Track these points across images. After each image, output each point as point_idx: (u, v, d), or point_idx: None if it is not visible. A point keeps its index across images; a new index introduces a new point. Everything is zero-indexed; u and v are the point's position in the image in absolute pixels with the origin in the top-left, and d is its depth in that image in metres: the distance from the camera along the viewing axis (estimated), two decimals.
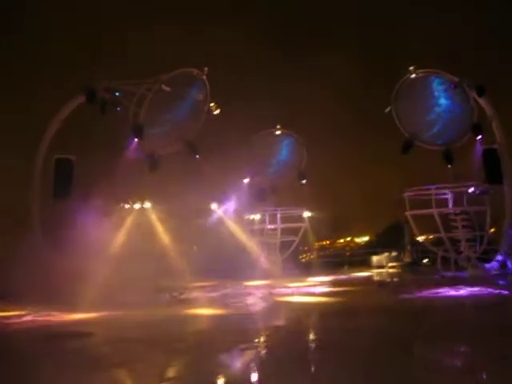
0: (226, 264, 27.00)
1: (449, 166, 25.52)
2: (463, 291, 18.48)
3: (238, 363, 9.75)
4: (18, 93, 31.28)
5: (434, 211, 26.56)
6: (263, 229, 33.90)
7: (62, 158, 25.17)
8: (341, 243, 52.86)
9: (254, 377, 8.60)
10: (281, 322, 14.96)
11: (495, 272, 24.78)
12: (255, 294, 22.14)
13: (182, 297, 20.78)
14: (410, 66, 25.85)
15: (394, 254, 35.53)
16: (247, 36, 36.49)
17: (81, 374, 8.90)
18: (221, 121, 25.74)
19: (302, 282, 26.12)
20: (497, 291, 18.11)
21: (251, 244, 29.36)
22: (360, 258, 39.00)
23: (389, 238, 36.94)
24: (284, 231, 34.20)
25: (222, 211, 28.90)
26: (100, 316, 16.42)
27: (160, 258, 22.88)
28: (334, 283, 25.04)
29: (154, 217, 24.68)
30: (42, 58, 33.83)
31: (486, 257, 26.39)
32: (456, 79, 25.46)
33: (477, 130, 25.32)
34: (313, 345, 11.34)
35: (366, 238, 49.24)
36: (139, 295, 19.70)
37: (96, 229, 20.96)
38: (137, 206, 24.71)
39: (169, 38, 33.99)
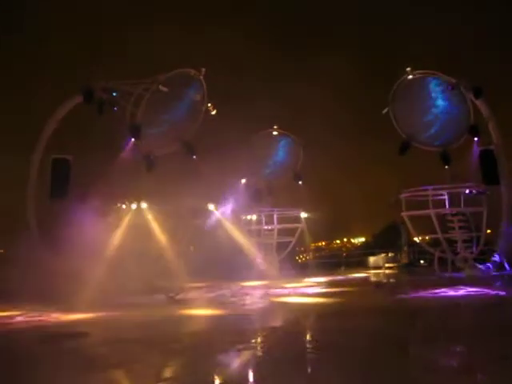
0: (223, 264, 26.99)
1: (446, 167, 25.59)
2: (460, 292, 18.49)
3: (235, 364, 9.73)
4: (17, 93, 31.28)
5: (431, 212, 26.59)
6: (260, 229, 33.90)
7: (58, 158, 25.13)
8: (337, 244, 52.97)
9: (251, 377, 8.58)
10: (278, 323, 14.94)
11: (492, 273, 24.82)
12: (252, 294, 22.11)
13: (179, 297, 20.75)
14: (410, 66, 25.89)
15: (390, 254, 35.56)
16: (247, 36, 36.56)
17: (77, 375, 8.86)
18: (220, 121, 25.77)
19: (298, 282, 26.12)
20: (494, 292, 18.14)
21: (248, 245, 29.32)
22: (357, 258, 39.04)
23: (386, 239, 36.94)
24: (281, 232, 34.21)
25: (220, 212, 28.85)
26: (97, 316, 16.37)
27: (156, 258, 22.84)
28: (330, 284, 25.04)
29: (150, 217, 24.62)
30: (41, 57, 33.83)
31: (483, 258, 26.45)
32: (453, 80, 25.53)
33: (474, 131, 25.42)
34: (310, 345, 11.32)
35: (362, 239, 49.35)
36: (136, 295, 19.69)
37: (93, 229, 20.93)
38: (133, 206, 24.66)
39: (169, 37, 34.03)
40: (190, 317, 16.08)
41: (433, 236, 28.24)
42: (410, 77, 26.15)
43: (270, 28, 39.33)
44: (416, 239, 30.24)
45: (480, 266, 25.65)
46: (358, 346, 10.05)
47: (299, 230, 33.94)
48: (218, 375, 8.64)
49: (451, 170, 25.81)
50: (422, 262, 32.33)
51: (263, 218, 33.97)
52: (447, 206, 27.08)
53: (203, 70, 25.02)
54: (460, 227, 26.30)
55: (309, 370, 9.02)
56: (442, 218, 26.94)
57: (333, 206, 37.97)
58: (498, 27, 35.05)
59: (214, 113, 25.35)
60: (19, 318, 16.30)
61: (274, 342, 11.40)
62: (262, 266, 29.37)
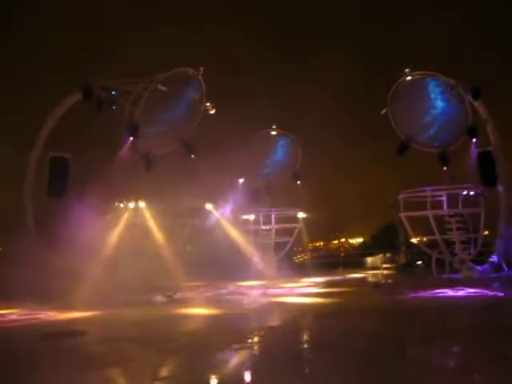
0: (221, 264, 26.99)
1: (444, 168, 25.59)
2: (458, 293, 18.50)
3: (232, 363, 9.71)
4: (17, 93, 31.24)
5: (429, 213, 26.58)
6: (258, 229, 33.88)
7: (57, 156, 25.05)
8: (335, 244, 53.00)
9: (248, 377, 8.56)
10: (275, 323, 14.93)
11: (490, 274, 24.82)
12: (249, 294, 22.12)
13: (176, 296, 20.73)
14: (409, 66, 25.90)
15: (388, 255, 35.59)
16: (247, 36, 36.53)
17: (74, 373, 8.85)
18: (219, 121, 25.73)
19: (296, 282, 26.12)
20: (492, 293, 18.15)
21: (246, 244, 29.31)
22: (355, 259, 39.07)
23: (383, 240, 37.00)
24: (279, 232, 34.19)
25: (219, 212, 28.83)
26: (94, 315, 16.37)
27: (154, 257, 22.82)
28: (328, 284, 25.05)
29: (148, 216, 24.59)
30: (41, 57, 33.78)
31: (481, 259, 26.46)
32: (452, 81, 25.53)
33: (472, 132, 25.42)
34: (308, 345, 11.30)
35: (360, 239, 49.40)
36: (133, 294, 19.66)
37: (91, 227, 20.91)
38: (131, 204, 24.63)
39: (168, 37, 34.01)
40: (187, 316, 16.07)
41: (430, 237, 28.23)
42: (409, 78, 26.15)
43: (269, 28, 39.39)
44: (414, 240, 30.26)
45: (477, 268, 25.65)
46: (356, 346, 10.04)
47: (297, 230, 33.96)
48: (215, 374, 8.62)
49: (449, 171, 25.82)
50: (419, 262, 32.32)
51: (261, 218, 33.96)
52: (445, 207, 27.08)
53: (202, 69, 24.99)
54: (458, 228, 26.28)
55: (306, 370, 9.00)
56: (439, 219, 26.94)
57: (331, 206, 38.02)
58: (498, 27, 35.12)
59: (212, 112, 25.32)
60: (17, 317, 16.28)
61: (272, 342, 11.38)
62: (259, 266, 29.37)
